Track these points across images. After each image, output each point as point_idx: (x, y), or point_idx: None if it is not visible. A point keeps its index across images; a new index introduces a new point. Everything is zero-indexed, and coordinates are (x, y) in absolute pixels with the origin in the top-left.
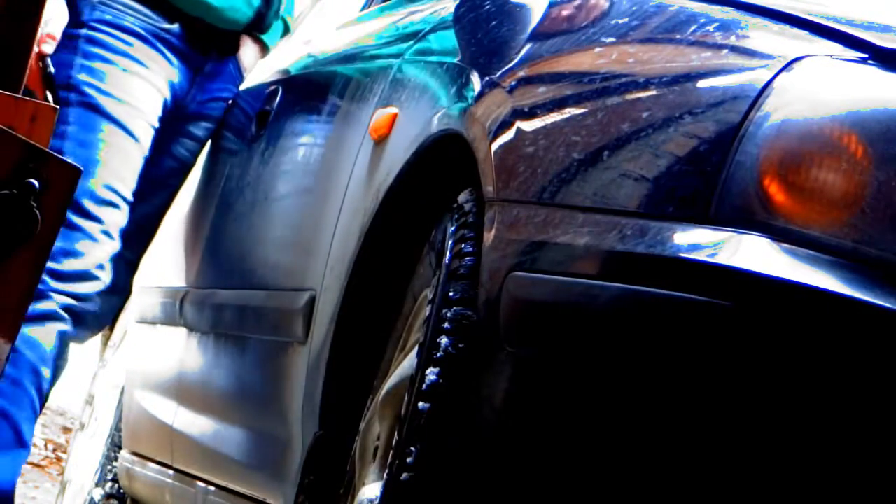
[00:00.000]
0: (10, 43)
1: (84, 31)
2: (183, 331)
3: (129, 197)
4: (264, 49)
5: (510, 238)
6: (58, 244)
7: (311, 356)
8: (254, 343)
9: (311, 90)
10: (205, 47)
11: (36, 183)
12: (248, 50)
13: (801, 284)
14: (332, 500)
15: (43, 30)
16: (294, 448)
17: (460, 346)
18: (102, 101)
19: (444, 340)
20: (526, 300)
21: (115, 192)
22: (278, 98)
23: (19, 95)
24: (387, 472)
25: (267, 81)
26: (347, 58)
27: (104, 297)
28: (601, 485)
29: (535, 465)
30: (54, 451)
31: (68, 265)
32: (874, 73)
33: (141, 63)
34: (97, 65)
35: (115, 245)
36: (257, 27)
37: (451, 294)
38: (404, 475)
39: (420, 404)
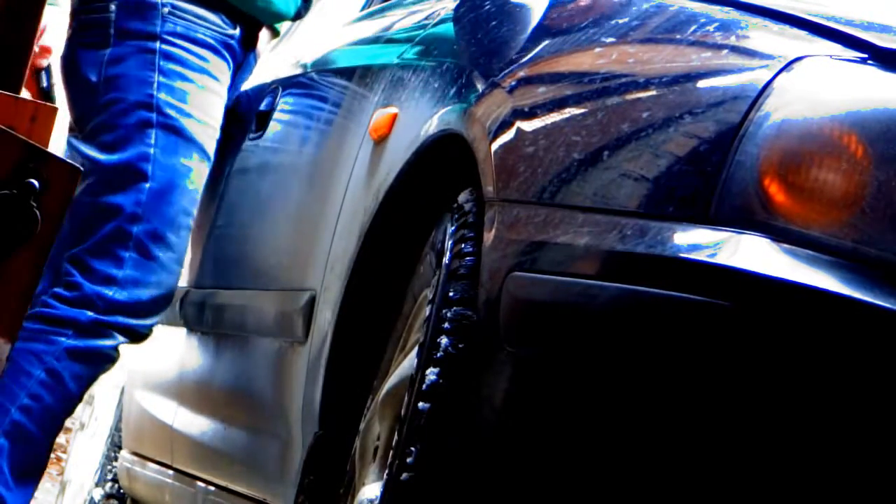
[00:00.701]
0: (10, 43)
1: (159, 46)
2: (183, 331)
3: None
4: (275, 36)
5: (510, 238)
6: (132, 273)
7: (311, 356)
8: (254, 343)
9: (312, 90)
10: (248, 45)
11: (36, 183)
12: (263, 39)
13: (800, 284)
14: (332, 500)
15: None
16: (294, 448)
17: (460, 346)
18: (186, 123)
19: (444, 340)
20: (526, 300)
21: (190, 215)
22: (278, 98)
23: (19, 95)
24: (387, 472)
25: (267, 81)
26: (347, 58)
27: None
28: (601, 485)
29: (534, 464)
30: (54, 451)
31: (138, 294)
32: (874, 73)
33: (215, 78)
34: (178, 84)
35: (181, 270)
36: (294, 18)
37: (451, 294)
38: (404, 475)
39: (420, 404)
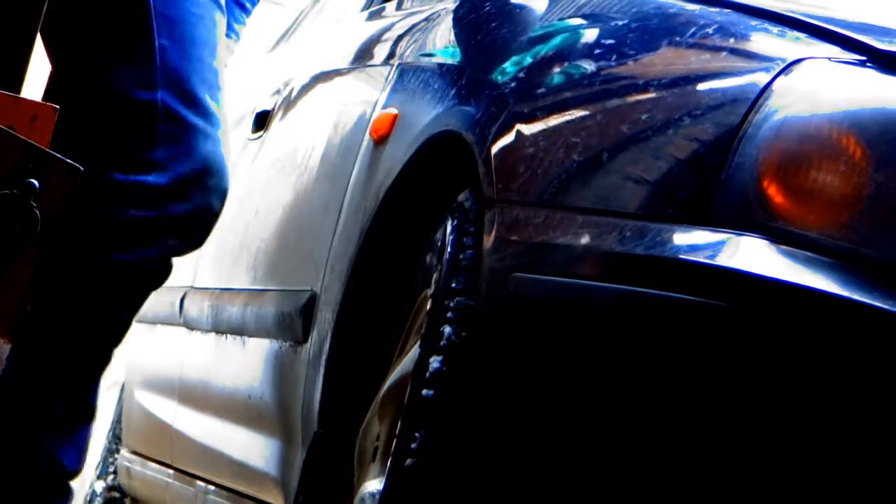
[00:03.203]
0: (10, 42)
1: None
2: (182, 330)
3: None
4: None
5: (510, 239)
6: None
7: (312, 356)
8: (254, 343)
9: (312, 90)
10: None
11: (36, 183)
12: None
13: (799, 286)
14: (332, 500)
15: None
16: (294, 448)
17: (463, 334)
18: None
19: (446, 329)
20: (526, 301)
21: (217, 75)
22: (279, 98)
23: (19, 95)
24: (390, 459)
25: (267, 82)
26: (347, 58)
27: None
28: (600, 483)
29: (535, 455)
30: None
31: (181, 169)
32: (872, 76)
33: None
34: None
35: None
36: None
37: (453, 285)
38: (408, 461)
39: (424, 391)
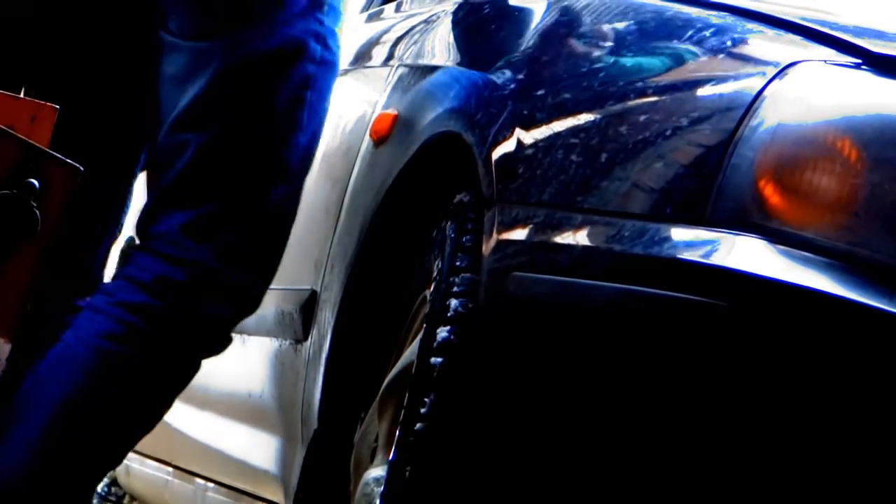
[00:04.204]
0: (9, 42)
1: None
2: None
3: None
4: None
5: (510, 239)
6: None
7: (311, 355)
8: (254, 341)
9: None
10: None
11: (36, 183)
12: None
13: (794, 285)
14: (332, 499)
15: None
16: (294, 446)
17: (470, 306)
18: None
19: (453, 302)
20: (526, 301)
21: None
22: None
23: (19, 95)
24: (399, 427)
25: None
26: (347, 59)
27: None
28: (598, 484)
29: (533, 458)
30: None
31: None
32: (867, 78)
33: None
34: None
35: None
36: None
37: (458, 263)
38: (418, 425)
39: (432, 359)
